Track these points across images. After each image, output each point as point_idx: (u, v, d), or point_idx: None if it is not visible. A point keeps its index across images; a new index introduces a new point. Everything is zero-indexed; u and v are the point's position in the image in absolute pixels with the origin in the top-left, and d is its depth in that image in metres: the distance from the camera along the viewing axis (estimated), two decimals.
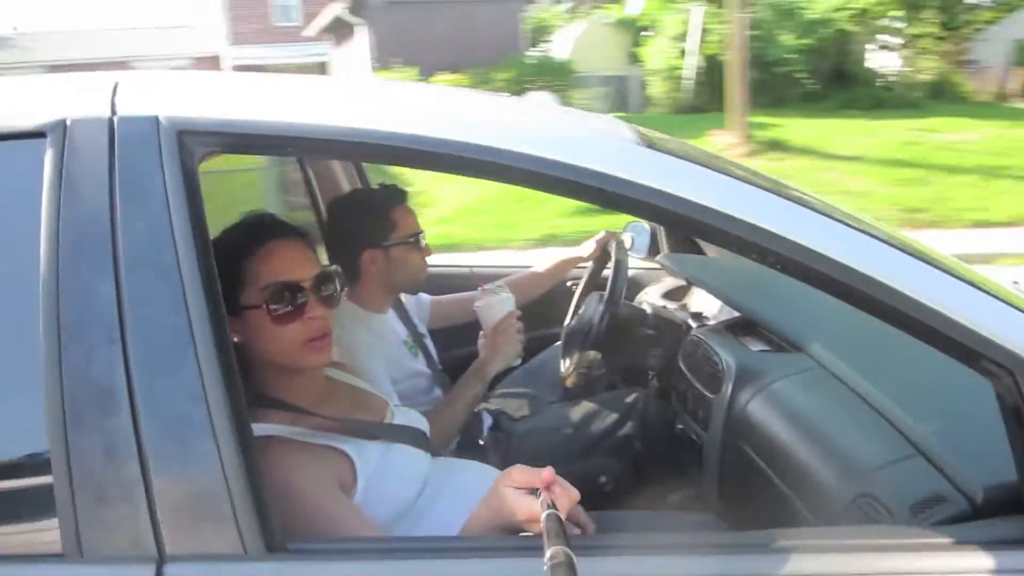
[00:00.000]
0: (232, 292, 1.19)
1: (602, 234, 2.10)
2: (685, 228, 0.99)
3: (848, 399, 1.37)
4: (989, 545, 0.92)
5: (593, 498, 1.78)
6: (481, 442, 1.88)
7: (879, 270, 0.93)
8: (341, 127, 0.95)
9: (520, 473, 0.98)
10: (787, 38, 13.42)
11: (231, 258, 1.21)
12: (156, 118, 0.93)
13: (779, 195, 0.99)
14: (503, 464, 1.86)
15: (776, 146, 9.66)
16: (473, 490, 1.32)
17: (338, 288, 1.28)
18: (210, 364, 0.88)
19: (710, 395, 1.60)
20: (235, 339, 1.20)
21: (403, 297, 2.01)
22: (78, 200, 0.91)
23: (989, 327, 0.93)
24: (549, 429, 1.93)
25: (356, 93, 1.16)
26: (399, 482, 1.26)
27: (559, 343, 2.17)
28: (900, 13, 14.72)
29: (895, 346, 1.53)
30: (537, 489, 0.93)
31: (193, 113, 0.95)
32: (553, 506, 0.86)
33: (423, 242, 1.83)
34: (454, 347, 2.12)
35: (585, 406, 1.94)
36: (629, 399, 1.92)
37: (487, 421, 1.98)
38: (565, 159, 0.93)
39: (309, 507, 1.11)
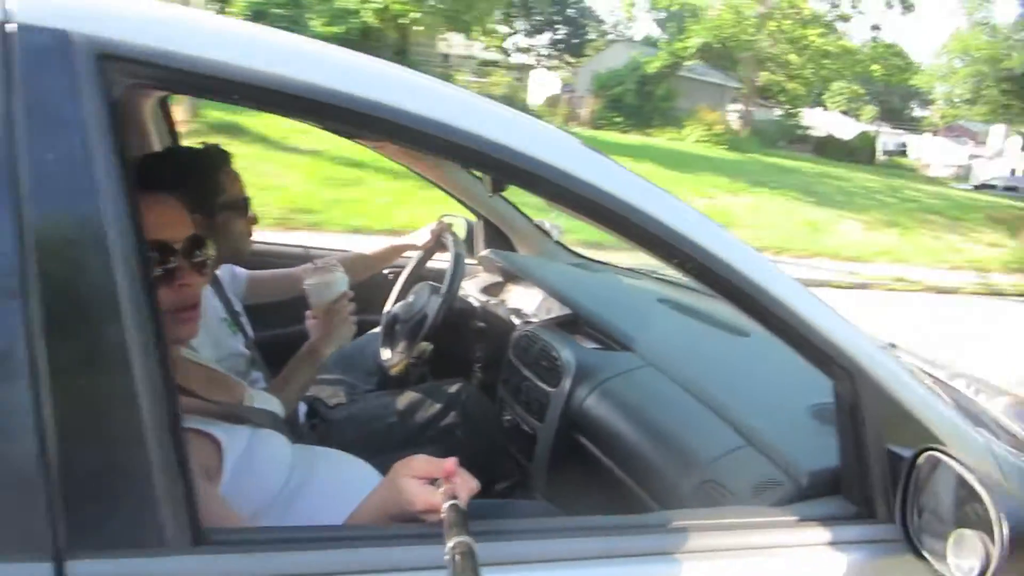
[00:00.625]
0: None
1: (436, 224, 2.10)
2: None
3: (680, 395, 1.54)
4: (823, 520, 1.11)
5: None
6: (299, 429, 1.78)
7: (746, 266, 1.06)
8: (306, 83, 0.86)
9: (421, 463, 0.96)
10: (316, 23, 13.11)
11: None
12: (66, 33, 0.77)
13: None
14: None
15: (228, 130, 8.90)
16: (343, 477, 1.27)
17: (210, 255, 1.15)
18: (138, 328, 0.75)
19: (549, 388, 1.69)
20: None
21: (219, 273, 1.82)
22: None
23: (834, 335, 1.12)
24: (371, 417, 1.88)
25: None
26: (267, 468, 1.17)
27: (375, 330, 2.13)
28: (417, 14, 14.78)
29: (716, 348, 1.76)
30: (436, 479, 0.93)
31: (116, 34, 0.79)
32: (455, 497, 0.86)
33: (250, 209, 1.68)
34: (271, 326, 1.98)
35: (407, 395, 1.92)
36: (452, 389, 1.94)
37: (302, 407, 1.88)
38: None
39: None
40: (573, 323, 1.84)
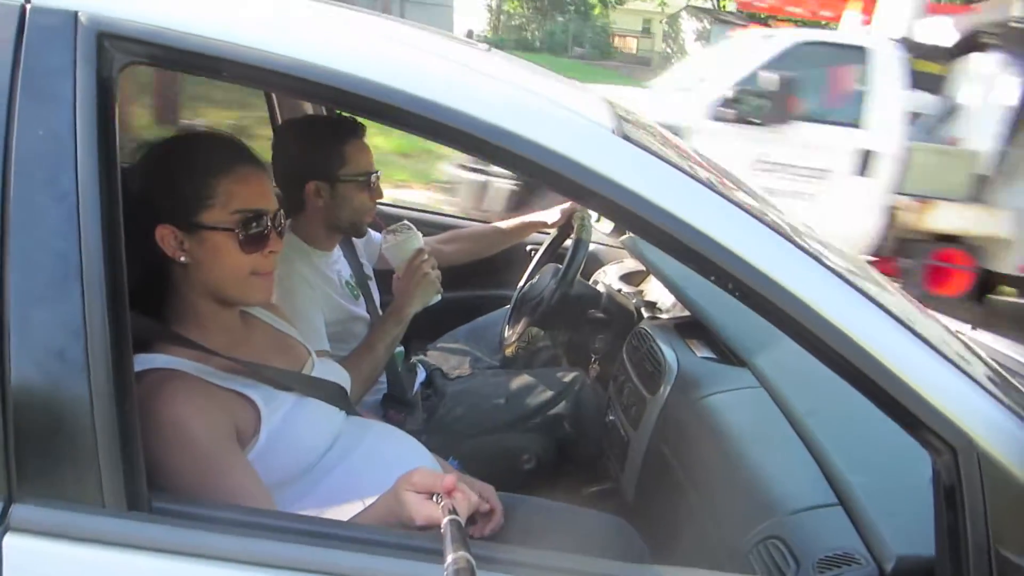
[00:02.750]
0: (192, 207, 1.11)
1: (569, 204, 2.01)
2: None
3: (782, 429, 1.33)
4: None
5: (511, 474, 1.75)
6: (410, 396, 1.82)
7: (825, 303, 0.87)
8: (299, 62, 0.83)
9: (422, 477, 0.95)
10: None
11: (200, 172, 1.12)
12: (75, 14, 0.81)
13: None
14: (428, 422, 1.81)
15: None
16: (382, 454, 1.26)
17: (284, 226, 1.22)
18: (95, 302, 0.79)
19: (647, 394, 1.55)
20: (181, 259, 1.12)
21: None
22: None
23: (939, 397, 0.88)
24: (481, 395, 1.87)
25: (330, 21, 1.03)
26: (305, 437, 1.19)
27: (508, 307, 2.10)
28: None
29: (843, 384, 1.50)
30: (437, 493, 0.92)
31: (118, 13, 0.82)
32: (454, 512, 0.84)
33: (374, 183, 1.72)
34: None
35: (522, 378, 1.88)
36: (567, 379, 1.86)
37: (421, 375, 1.92)
38: None
39: (195, 452, 1.04)
40: (693, 327, 1.66)
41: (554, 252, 2.06)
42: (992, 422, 0.90)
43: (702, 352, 1.59)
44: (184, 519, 0.83)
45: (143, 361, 1.09)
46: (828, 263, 0.93)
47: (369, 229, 1.99)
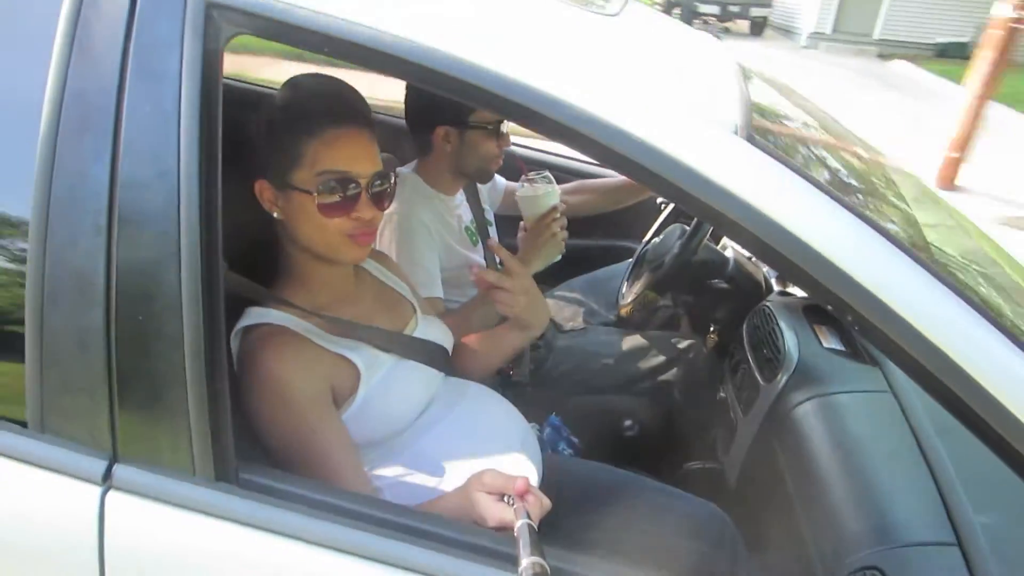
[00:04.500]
0: (284, 166, 1.12)
1: None
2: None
3: (907, 446, 1.21)
4: None
5: (612, 439, 1.73)
6: None
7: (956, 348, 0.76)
8: (395, 39, 0.79)
9: (493, 478, 0.94)
10: None
11: (292, 130, 1.12)
12: None
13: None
14: (535, 374, 1.81)
15: None
16: (475, 421, 1.27)
17: (391, 189, 1.19)
18: (192, 281, 0.82)
19: (762, 381, 1.46)
20: (275, 214, 1.14)
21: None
22: (89, 68, 0.82)
23: None
24: (590, 353, 1.84)
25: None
26: (401, 399, 1.22)
27: (630, 260, 2.02)
28: None
29: None
30: (509, 495, 0.91)
31: None
32: (527, 515, 0.84)
33: (503, 131, 1.67)
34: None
35: (635, 339, 1.82)
36: (682, 345, 1.79)
37: None
38: None
39: (290, 408, 1.08)
40: (825, 312, 1.53)
41: (682, 211, 1.94)
42: None
43: (830, 343, 1.46)
44: (267, 493, 0.87)
45: (256, 315, 1.14)
46: (966, 292, 0.80)
47: (496, 175, 1.96)
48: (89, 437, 0.85)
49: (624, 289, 1.87)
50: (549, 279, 2.07)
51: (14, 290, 0.85)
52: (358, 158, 1.13)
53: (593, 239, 2.18)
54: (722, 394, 1.64)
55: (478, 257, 1.81)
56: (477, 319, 1.55)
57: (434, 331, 1.34)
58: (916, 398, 1.28)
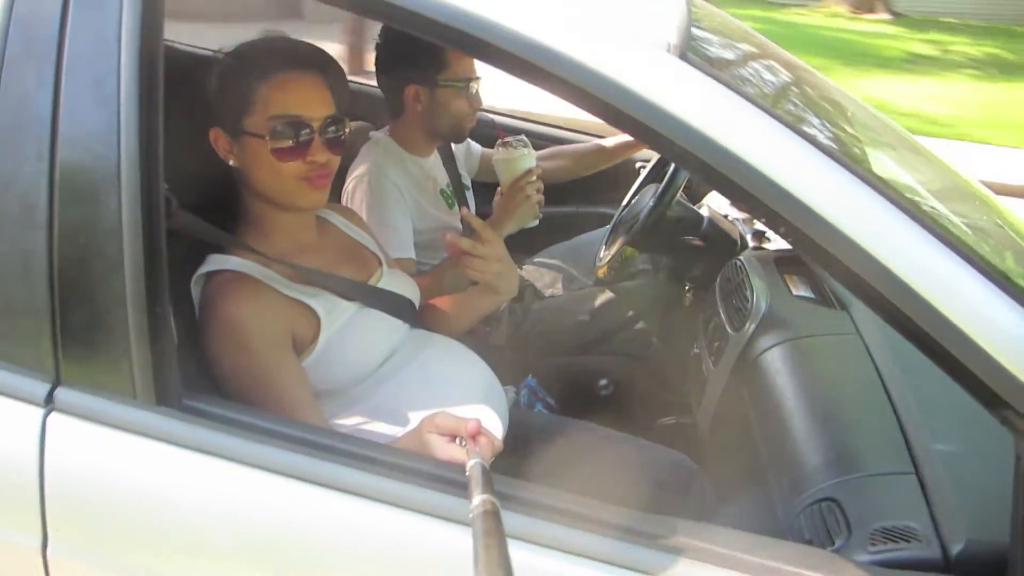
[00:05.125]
0: (236, 113, 1.13)
1: None
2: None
3: (870, 384, 1.20)
4: None
5: (587, 398, 1.73)
6: (497, 311, 1.81)
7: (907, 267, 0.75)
8: None
9: (444, 419, 0.94)
10: None
11: (242, 76, 1.13)
12: None
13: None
14: (512, 338, 1.81)
15: None
16: (439, 372, 1.27)
17: (345, 134, 1.19)
18: (132, 201, 0.82)
19: (731, 331, 1.45)
20: (231, 162, 1.16)
21: (453, 145, 1.88)
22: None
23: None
24: (566, 312, 1.84)
25: None
26: (362, 347, 1.22)
27: (608, 226, 2.02)
28: None
29: None
30: (461, 437, 0.91)
31: None
32: (479, 456, 0.83)
33: (473, 89, 1.67)
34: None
35: (608, 296, 1.82)
36: (657, 301, 1.79)
37: None
38: None
39: (249, 353, 1.09)
40: (797, 261, 1.52)
41: (662, 170, 1.93)
42: None
43: (799, 290, 1.45)
44: (209, 419, 0.87)
45: (216, 262, 1.14)
46: (922, 217, 0.79)
47: (471, 141, 1.96)
48: (33, 360, 0.86)
49: (602, 252, 1.87)
50: (528, 246, 2.07)
51: None
52: (309, 101, 1.14)
53: (572, 206, 2.18)
54: (696, 350, 1.63)
55: (454, 220, 1.81)
56: (449, 281, 1.55)
57: (399, 283, 1.35)
58: (882, 338, 1.27)
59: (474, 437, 0.89)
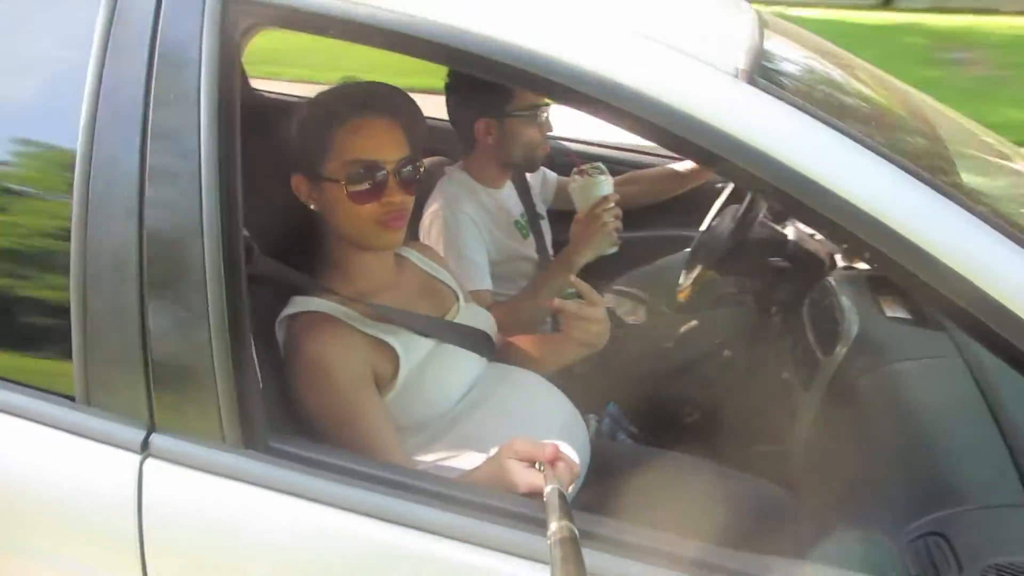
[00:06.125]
0: (315, 159, 1.18)
1: None
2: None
3: (977, 411, 1.12)
4: None
5: (673, 426, 1.69)
6: None
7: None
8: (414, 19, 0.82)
9: (523, 445, 0.94)
10: None
11: (321, 124, 1.18)
12: None
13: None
14: (594, 365, 1.79)
15: None
16: (515, 404, 1.27)
17: (419, 175, 1.22)
18: (214, 260, 0.86)
19: (820, 355, 1.39)
20: (312, 207, 1.19)
21: (528, 175, 1.89)
22: (121, 63, 0.89)
23: None
24: (649, 339, 1.81)
25: None
26: (441, 382, 1.23)
27: (688, 249, 1.98)
28: None
29: None
30: (540, 463, 0.91)
31: None
32: (557, 480, 0.83)
33: (543, 116, 1.68)
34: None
35: (693, 323, 1.78)
36: (743, 327, 1.73)
37: None
38: None
39: (333, 392, 1.12)
40: (890, 284, 1.44)
41: (743, 191, 1.89)
42: None
43: (894, 311, 1.38)
44: (294, 460, 0.90)
45: (299, 304, 1.19)
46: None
47: (547, 169, 1.97)
48: (129, 408, 0.90)
49: (682, 277, 1.83)
50: (608, 272, 2.05)
51: (60, 276, 0.92)
52: (382, 145, 1.17)
53: (651, 230, 2.14)
54: (785, 375, 1.57)
55: (528, 250, 1.82)
56: (527, 313, 1.55)
57: (476, 318, 1.36)
58: (987, 360, 1.19)
59: (552, 463, 0.89)
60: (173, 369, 0.89)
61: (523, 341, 1.43)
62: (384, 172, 1.16)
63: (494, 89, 1.65)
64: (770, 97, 0.79)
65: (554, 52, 0.79)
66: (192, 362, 0.88)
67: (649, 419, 1.62)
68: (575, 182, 1.67)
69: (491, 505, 0.88)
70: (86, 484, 0.92)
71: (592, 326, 1.27)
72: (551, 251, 1.88)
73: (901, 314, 1.38)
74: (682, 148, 0.79)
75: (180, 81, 0.87)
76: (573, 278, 1.31)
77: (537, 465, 0.92)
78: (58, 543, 0.98)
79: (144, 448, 0.90)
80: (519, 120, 1.67)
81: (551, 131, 1.72)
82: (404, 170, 1.18)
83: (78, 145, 0.89)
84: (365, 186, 1.16)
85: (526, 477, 0.91)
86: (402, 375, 1.19)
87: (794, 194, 0.75)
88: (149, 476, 0.89)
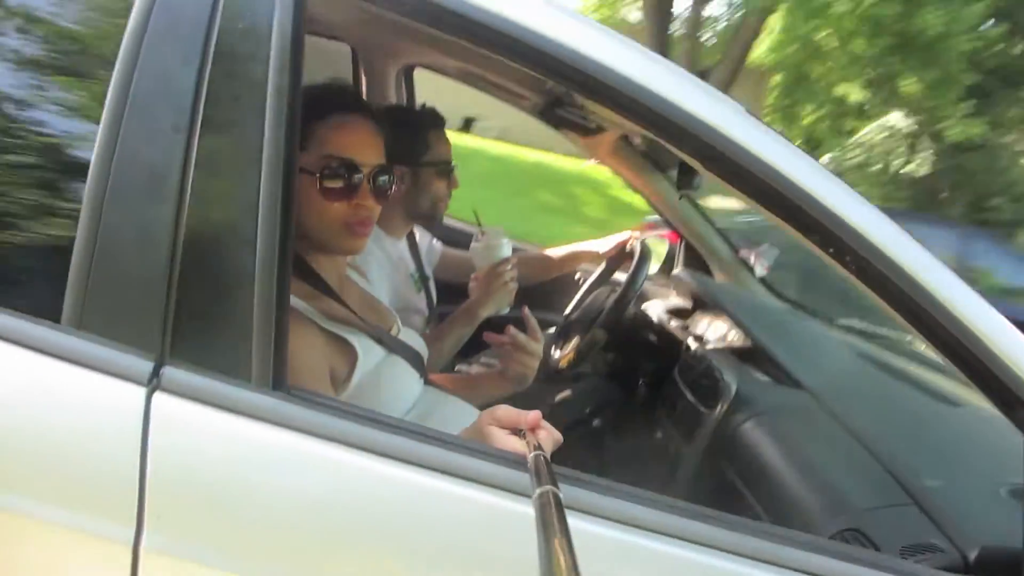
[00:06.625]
0: None
1: (625, 235, 2.07)
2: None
3: (847, 443, 1.35)
4: None
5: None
6: None
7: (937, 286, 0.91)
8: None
9: (506, 412, 0.94)
10: None
11: (306, 114, 1.16)
12: None
13: None
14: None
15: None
16: (458, 425, 1.27)
17: (392, 186, 1.24)
18: (271, 190, 0.82)
19: (704, 410, 1.58)
20: None
21: (417, 235, 1.96)
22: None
23: None
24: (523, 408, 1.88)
25: None
26: (390, 393, 1.21)
27: (551, 331, 2.13)
28: None
29: (910, 410, 1.55)
30: (521, 430, 0.91)
31: None
32: (539, 447, 0.84)
33: (452, 173, 1.79)
34: (451, 302, 2.07)
35: (565, 390, 1.90)
36: (614, 395, 1.89)
37: None
38: None
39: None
40: (750, 355, 1.71)
41: (603, 281, 2.11)
42: None
43: (759, 374, 1.62)
44: (317, 404, 0.84)
45: None
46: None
47: (433, 238, 2.05)
48: (136, 335, 0.80)
49: (553, 351, 1.96)
50: (469, 347, 2.13)
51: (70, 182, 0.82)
52: (363, 146, 1.18)
53: (514, 311, 2.28)
54: (659, 435, 1.73)
55: (421, 303, 1.85)
56: (449, 344, 1.58)
57: (413, 339, 1.36)
58: (845, 408, 1.45)
59: (534, 430, 0.90)
60: (202, 296, 0.81)
61: (447, 380, 1.45)
62: (360, 175, 1.17)
63: (412, 139, 1.73)
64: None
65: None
66: (229, 291, 0.81)
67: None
68: (478, 242, 1.76)
69: (487, 452, 0.89)
70: (75, 419, 0.77)
71: (532, 361, 1.35)
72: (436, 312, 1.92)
73: (763, 377, 1.63)
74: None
75: (252, 13, 0.85)
76: (525, 311, 1.39)
77: (520, 433, 0.91)
78: (41, 490, 0.79)
79: (152, 380, 0.79)
80: (432, 171, 1.76)
81: (457, 186, 1.82)
82: (380, 178, 1.20)
83: (121, 53, 0.83)
84: (339, 184, 1.15)
85: (509, 443, 0.90)
86: (357, 376, 1.15)
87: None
88: (157, 413, 0.78)
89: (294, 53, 0.85)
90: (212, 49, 0.84)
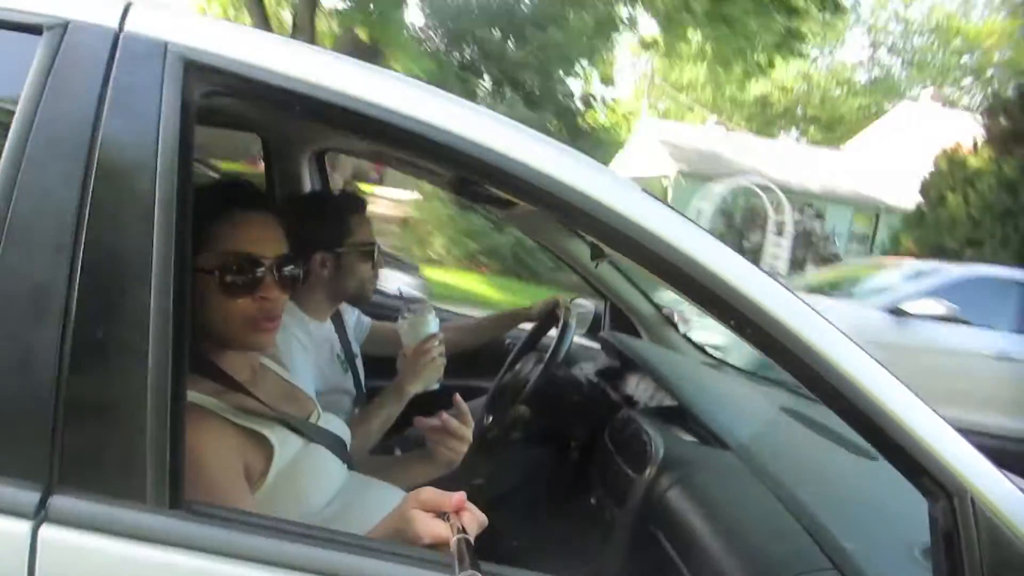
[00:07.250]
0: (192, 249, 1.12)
1: (552, 299, 2.10)
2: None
3: (770, 503, 1.37)
4: None
5: (500, 555, 1.72)
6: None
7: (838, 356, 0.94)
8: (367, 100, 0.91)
9: (430, 495, 0.93)
10: None
11: (197, 216, 1.15)
12: (165, 43, 0.87)
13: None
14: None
15: None
16: (383, 510, 1.25)
17: (298, 275, 1.23)
18: (162, 302, 0.81)
19: (633, 474, 1.58)
20: None
21: (344, 314, 1.94)
22: (61, 102, 0.85)
23: (936, 444, 0.95)
24: (457, 479, 1.86)
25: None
26: (311, 484, 1.19)
27: (483, 398, 2.13)
28: None
29: (830, 466, 1.58)
30: (445, 512, 0.90)
31: (203, 46, 0.89)
32: (463, 530, 0.83)
33: (376, 254, 1.79)
34: (382, 377, 2.05)
35: (499, 461, 1.89)
36: (543, 463, 1.88)
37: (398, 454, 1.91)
38: None
39: (205, 485, 1.02)
40: (677, 415, 1.73)
41: (534, 344, 2.12)
42: (980, 472, 0.97)
43: (686, 437, 1.64)
44: (218, 520, 0.82)
45: None
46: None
47: (361, 313, 2.04)
48: (22, 464, 0.76)
49: (487, 420, 1.96)
50: (401, 419, 2.10)
51: None
52: (262, 240, 1.17)
53: (446, 379, 2.27)
54: (593, 500, 1.73)
55: (348, 384, 1.83)
56: (378, 424, 1.56)
57: (334, 424, 1.34)
58: (768, 468, 1.47)
59: (458, 512, 0.89)
60: (91, 417, 0.78)
61: (369, 463, 1.43)
62: (262, 267, 1.15)
63: (332, 224, 1.73)
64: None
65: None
66: (120, 410, 0.79)
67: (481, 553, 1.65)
68: (404, 319, 1.75)
69: (403, 554, 0.87)
70: None
71: (461, 446, 1.35)
72: (364, 390, 1.90)
73: (691, 439, 1.65)
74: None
75: (136, 127, 0.85)
76: (456, 397, 1.38)
77: (444, 516, 0.90)
78: None
79: (40, 512, 0.75)
80: (355, 255, 1.75)
81: (382, 267, 1.82)
82: (284, 268, 1.19)
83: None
84: (240, 279, 1.13)
85: (432, 527, 0.89)
86: (273, 470, 1.13)
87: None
88: (44, 546, 0.74)
89: (182, 161, 0.85)
90: (95, 165, 0.83)
